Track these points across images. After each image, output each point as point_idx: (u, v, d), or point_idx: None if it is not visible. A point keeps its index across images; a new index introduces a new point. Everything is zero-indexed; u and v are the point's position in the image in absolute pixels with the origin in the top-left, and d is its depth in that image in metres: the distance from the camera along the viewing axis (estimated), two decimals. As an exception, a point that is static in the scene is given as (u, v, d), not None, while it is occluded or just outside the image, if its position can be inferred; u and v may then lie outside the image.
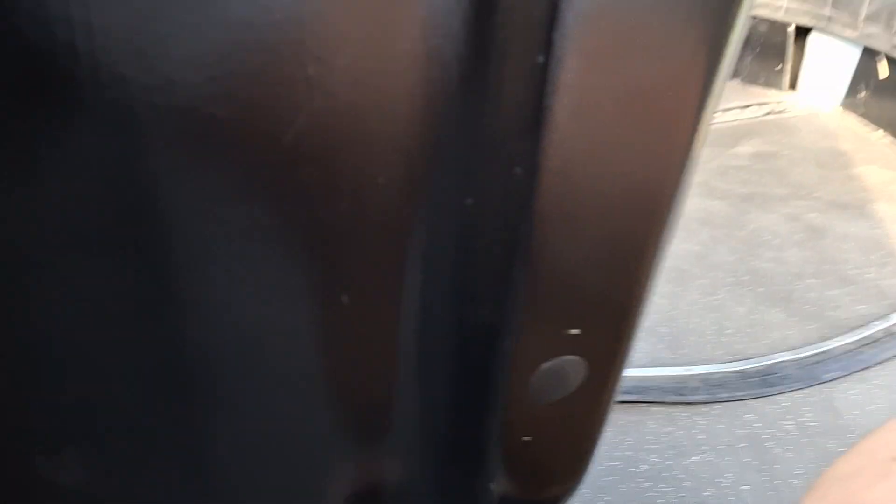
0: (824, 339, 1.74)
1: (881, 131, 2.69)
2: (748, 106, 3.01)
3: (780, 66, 3.12)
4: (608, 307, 0.38)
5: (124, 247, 0.25)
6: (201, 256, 0.27)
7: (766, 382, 1.60)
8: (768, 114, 2.96)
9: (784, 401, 1.57)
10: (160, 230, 0.25)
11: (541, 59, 0.28)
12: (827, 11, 2.85)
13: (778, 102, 3.04)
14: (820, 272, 2.00)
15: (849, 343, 1.72)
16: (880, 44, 2.64)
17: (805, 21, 2.96)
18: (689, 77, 0.32)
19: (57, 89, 0.20)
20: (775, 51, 3.10)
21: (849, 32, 2.78)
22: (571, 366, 0.39)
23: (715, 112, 0.35)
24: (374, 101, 0.26)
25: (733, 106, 3.01)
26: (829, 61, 2.98)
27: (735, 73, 3.24)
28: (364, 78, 0.26)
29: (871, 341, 1.72)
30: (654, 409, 1.54)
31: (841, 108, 2.91)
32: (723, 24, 0.31)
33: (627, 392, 1.56)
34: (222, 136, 0.24)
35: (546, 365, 0.38)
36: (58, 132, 0.21)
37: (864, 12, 2.70)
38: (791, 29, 3.03)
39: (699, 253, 2.07)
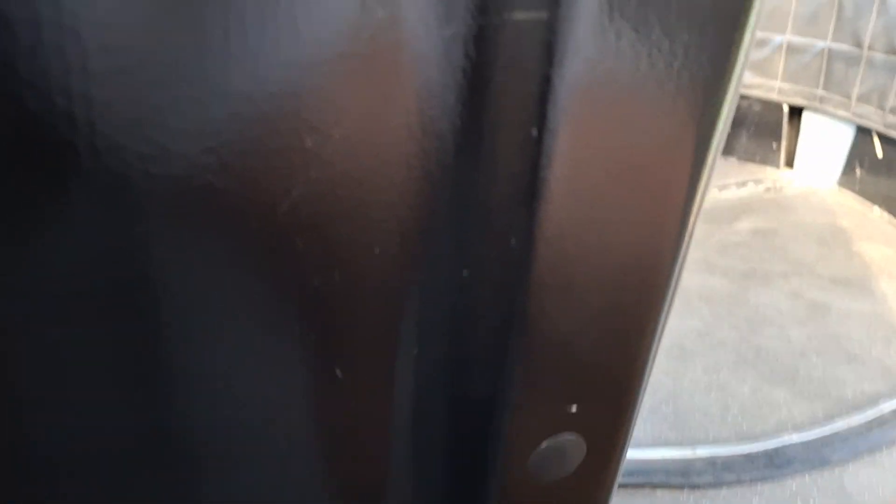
0: (831, 418, 1.71)
1: (879, 208, 2.73)
2: (745, 183, 3.06)
3: (776, 145, 3.18)
4: (607, 382, 0.37)
5: (118, 315, 0.25)
6: (195, 325, 0.26)
7: (773, 464, 1.57)
8: (766, 191, 3.00)
9: (792, 484, 1.53)
10: (154, 299, 0.25)
11: (535, 132, 0.28)
12: (819, 92, 2.94)
13: (775, 180, 3.09)
14: (824, 350, 1.99)
15: (857, 423, 1.69)
16: (873, 123, 2.71)
17: (798, 101, 3.04)
18: (681, 149, 0.32)
19: (54, 157, 0.20)
20: (771, 129, 3.18)
21: (842, 112, 2.85)
22: (570, 444, 0.38)
23: (709, 185, 0.36)
24: (370, 171, 0.27)
25: (730, 183, 3.06)
26: (825, 140, 3.04)
27: (731, 152, 3.31)
28: (361, 149, 0.26)
29: (881, 423, 1.69)
30: (660, 492, 1.50)
31: (838, 185, 2.96)
32: (713, 98, 0.32)
33: (631, 474, 1.52)
34: (218, 205, 0.25)
35: (545, 443, 0.37)
36: (54, 199, 0.21)
37: (855, 92, 2.78)
38: (785, 108, 3.11)
39: (701, 330, 2.06)
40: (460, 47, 0.26)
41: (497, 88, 0.27)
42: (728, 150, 3.31)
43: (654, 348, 0.38)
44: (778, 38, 3.02)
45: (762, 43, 3.07)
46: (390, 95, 0.26)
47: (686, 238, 0.34)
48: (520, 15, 0.27)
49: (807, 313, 2.15)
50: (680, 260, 0.35)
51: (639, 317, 0.36)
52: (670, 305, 0.37)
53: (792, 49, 2.99)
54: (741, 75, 0.33)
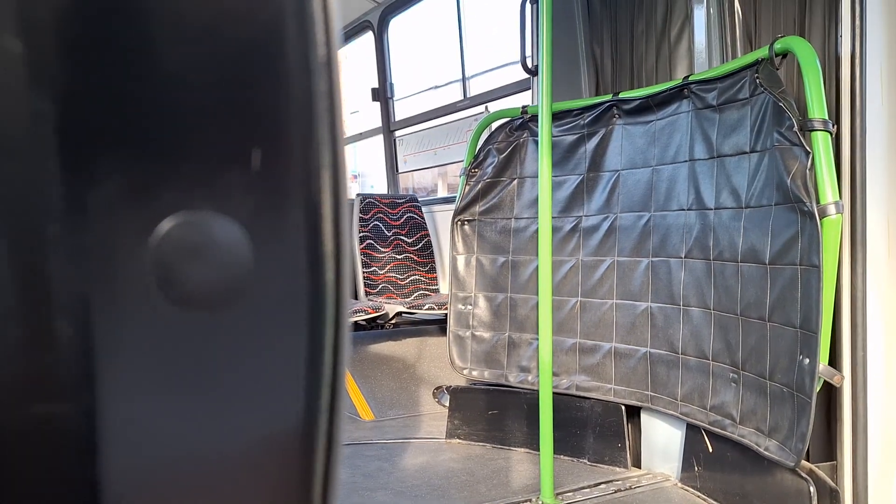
0: None
1: (719, 504, 2.97)
2: (598, 485, 3.27)
3: (620, 444, 3.47)
4: None
5: None
6: None
7: None
8: (616, 492, 3.21)
9: None
10: None
11: None
12: (649, 392, 3.31)
13: (624, 479, 3.32)
14: None
15: None
16: (698, 421, 3.06)
17: (633, 402, 3.40)
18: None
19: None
20: (614, 430, 3.48)
21: (671, 410, 3.21)
22: None
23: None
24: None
25: (584, 486, 3.26)
26: (663, 438, 3.36)
27: (581, 454, 3.56)
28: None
29: None
30: None
31: (680, 482, 3.21)
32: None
33: None
34: None
35: None
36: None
37: (680, 391, 3.16)
38: (623, 408, 3.45)
39: None
40: None
41: None
42: (578, 453, 3.57)
43: None
44: (606, 345, 3.46)
45: (594, 350, 3.50)
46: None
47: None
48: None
49: None
50: None
51: None
52: None
53: (619, 354, 3.42)
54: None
